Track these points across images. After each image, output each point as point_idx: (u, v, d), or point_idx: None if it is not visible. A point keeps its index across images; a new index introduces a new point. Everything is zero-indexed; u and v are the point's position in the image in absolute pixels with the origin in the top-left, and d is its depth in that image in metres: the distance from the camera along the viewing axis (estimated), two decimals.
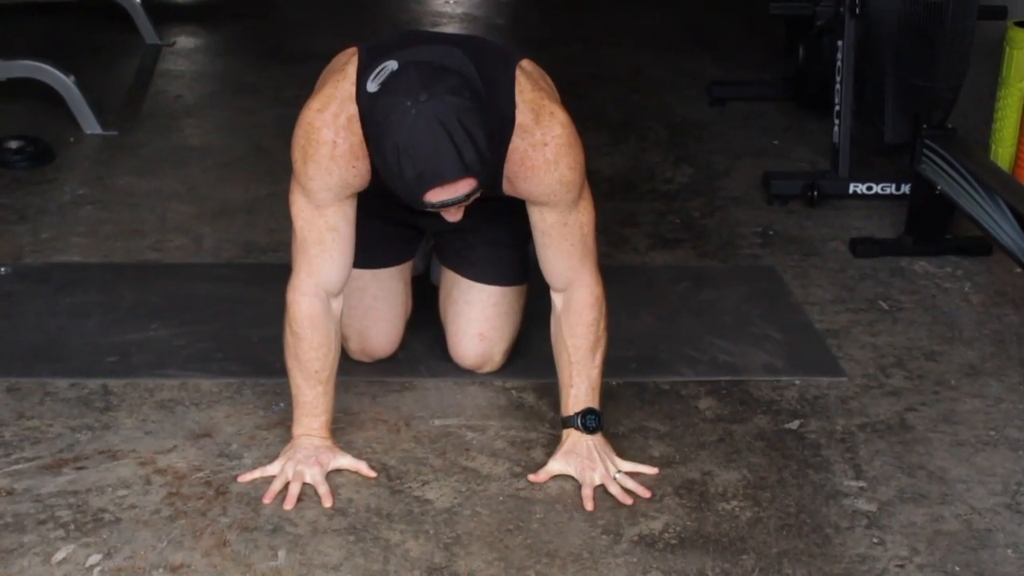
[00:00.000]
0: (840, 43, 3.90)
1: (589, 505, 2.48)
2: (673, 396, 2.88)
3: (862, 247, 3.60)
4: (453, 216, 2.34)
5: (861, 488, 2.56)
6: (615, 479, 2.53)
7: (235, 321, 3.14)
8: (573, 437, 2.58)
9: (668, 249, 3.65)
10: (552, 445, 2.63)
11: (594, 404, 2.59)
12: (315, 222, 2.48)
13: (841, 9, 3.89)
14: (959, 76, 3.68)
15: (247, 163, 4.18)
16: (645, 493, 2.51)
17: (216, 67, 5.30)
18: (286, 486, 2.50)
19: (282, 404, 2.77)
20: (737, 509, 2.48)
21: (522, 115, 2.42)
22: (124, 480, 2.51)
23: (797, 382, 2.94)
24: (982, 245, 3.56)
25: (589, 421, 2.57)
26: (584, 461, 2.55)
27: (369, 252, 2.67)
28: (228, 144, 4.36)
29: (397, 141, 2.20)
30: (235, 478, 2.52)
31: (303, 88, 2.85)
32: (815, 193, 3.87)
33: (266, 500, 2.46)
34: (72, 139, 4.32)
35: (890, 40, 3.76)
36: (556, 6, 6.38)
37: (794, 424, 2.77)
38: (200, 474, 2.54)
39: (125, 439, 2.65)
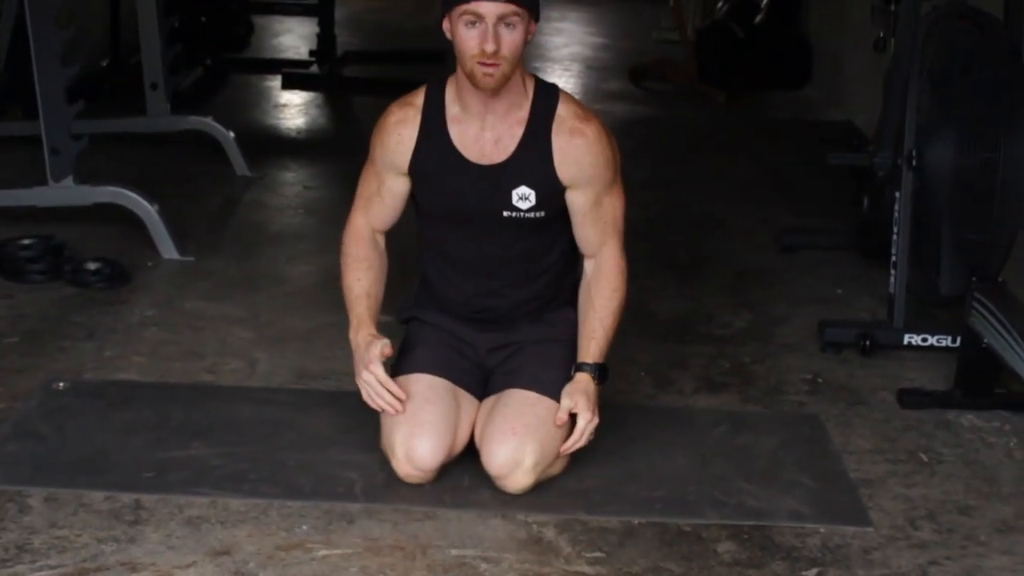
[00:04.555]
0: (898, 194, 3.92)
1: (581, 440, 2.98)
2: (693, 538, 2.87)
3: (909, 398, 3.58)
4: (490, 44, 2.78)
5: None
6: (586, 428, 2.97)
7: (275, 444, 3.22)
8: (585, 381, 3.00)
9: (713, 393, 3.66)
10: None
11: (603, 359, 3.04)
12: (370, 181, 3.13)
13: (899, 161, 3.92)
14: (1012, 230, 3.67)
15: (313, 293, 4.29)
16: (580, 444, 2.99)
17: (301, 200, 5.48)
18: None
19: (304, 527, 2.83)
20: None
21: (564, 103, 2.99)
22: None
23: (822, 530, 2.92)
24: None
25: (596, 372, 3.02)
26: (588, 404, 2.97)
27: (429, 359, 3.08)
28: (299, 273, 4.49)
29: None
30: None
31: None
32: (868, 343, 3.86)
33: (390, 409, 2.97)
34: (150, 263, 4.49)
35: (945, 193, 3.77)
36: (643, 153, 6.47)
37: (812, 572, 2.74)
38: None
39: (148, 552, 2.72)
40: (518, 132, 2.97)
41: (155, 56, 5.66)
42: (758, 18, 8.26)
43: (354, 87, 7.70)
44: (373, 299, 3.11)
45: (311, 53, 8.14)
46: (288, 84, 7.56)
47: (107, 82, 6.74)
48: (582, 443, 2.99)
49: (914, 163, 3.86)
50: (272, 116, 7.05)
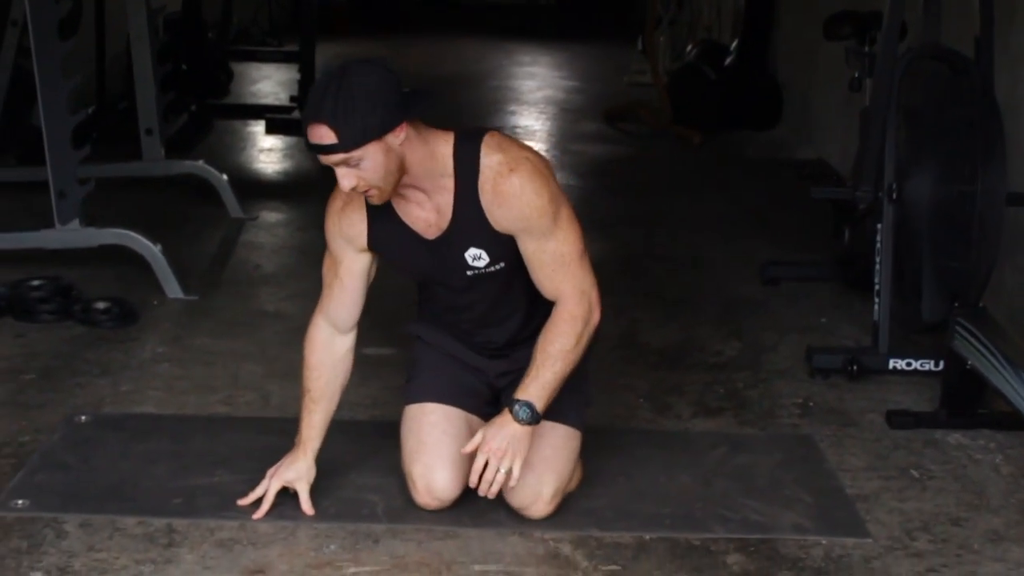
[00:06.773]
0: (879, 226, 4.10)
1: (473, 479, 2.99)
2: (703, 551, 3.02)
3: (897, 419, 3.75)
4: (345, 181, 2.83)
5: None
6: (498, 471, 2.95)
7: None
8: (506, 419, 2.98)
9: (710, 417, 3.82)
10: None
11: (537, 401, 2.97)
12: (329, 272, 3.15)
13: (880, 194, 4.11)
14: (990, 258, 3.85)
15: None
16: (491, 494, 2.99)
17: (295, 240, 5.62)
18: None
19: (332, 547, 2.96)
20: None
21: (487, 156, 2.93)
22: None
23: (823, 542, 3.07)
24: (1017, 419, 3.68)
25: (522, 412, 2.96)
26: (497, 446, 2.95)
27: (444, 390, 3.17)
28: (301, 310, 4.59)
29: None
30: None
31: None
32: (855, 367, 4.03)
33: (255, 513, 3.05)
34: (156, 302, 4.62)
35: (924, 224, 3.95)
36: (621, 191, 6.67)
37: None
38: None
39: (185, 572, 2.85)
40: (450, 199, 2.97)
41: (150, 102, 5.80)
42: (728, 60, 8.50)
43: None
44: (319, 414, 3.19)
45: (292, 99, 8.30)
46: (272, 129, 7.72)
47: (95, 128, 6.85)
48: (485, 488, 2.98)
49: (894, 196, 4.05)
50: (258, 160, 7.20)
